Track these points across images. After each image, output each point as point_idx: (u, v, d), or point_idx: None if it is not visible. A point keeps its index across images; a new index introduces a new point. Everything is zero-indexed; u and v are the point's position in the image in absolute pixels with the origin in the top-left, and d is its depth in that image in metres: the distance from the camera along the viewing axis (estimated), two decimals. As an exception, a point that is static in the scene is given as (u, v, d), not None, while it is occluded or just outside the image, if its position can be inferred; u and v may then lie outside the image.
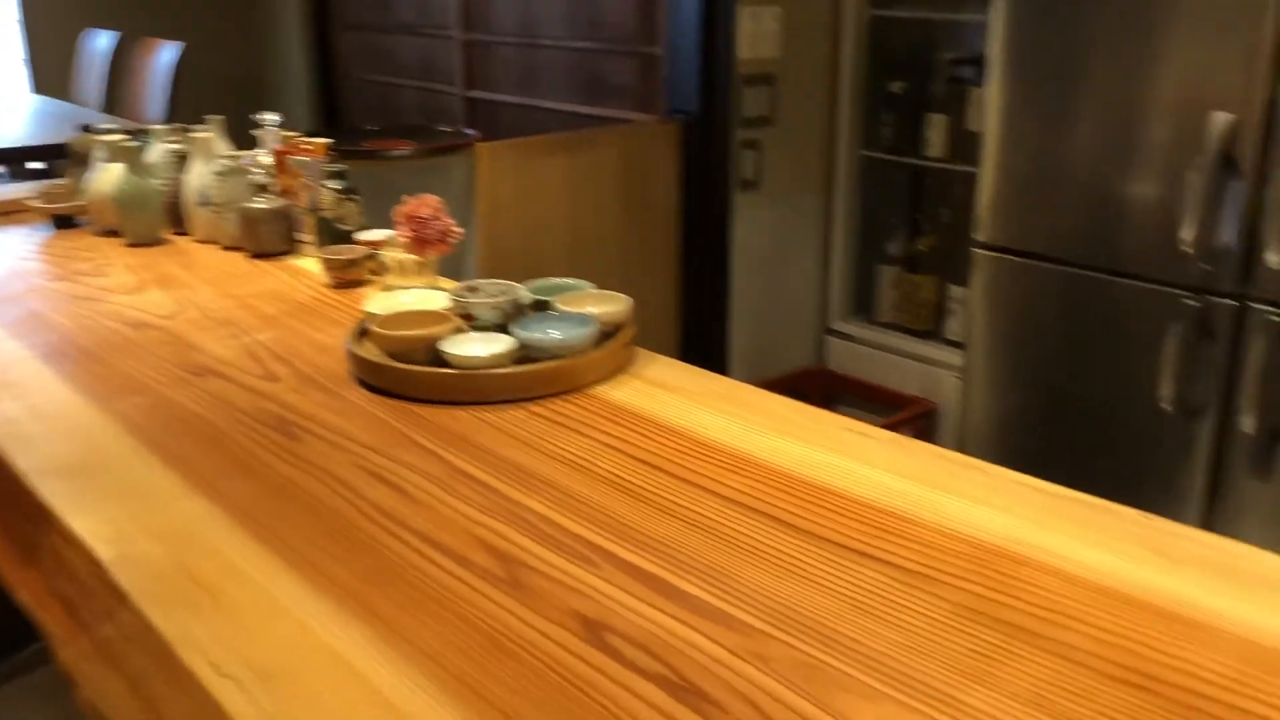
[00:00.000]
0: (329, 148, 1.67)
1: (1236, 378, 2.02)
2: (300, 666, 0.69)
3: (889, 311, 3.02)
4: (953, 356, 2.71)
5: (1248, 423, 2.01)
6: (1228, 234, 1.99)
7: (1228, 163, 1.96)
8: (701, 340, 2.91)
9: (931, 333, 2.92)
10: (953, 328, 2.85)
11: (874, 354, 2.98)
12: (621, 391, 1.13)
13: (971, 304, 2.40)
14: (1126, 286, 2.15)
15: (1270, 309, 1.96)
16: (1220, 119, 1.94)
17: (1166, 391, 2.10)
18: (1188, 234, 2.02)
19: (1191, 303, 2.05)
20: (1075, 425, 2.27)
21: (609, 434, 1.03)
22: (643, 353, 1.23)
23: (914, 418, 2.77)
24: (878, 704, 0.65)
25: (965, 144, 2.69)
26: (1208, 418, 2.07)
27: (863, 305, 3.11)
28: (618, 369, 1.17)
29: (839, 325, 3.11)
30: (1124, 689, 0.66)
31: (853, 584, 0.77)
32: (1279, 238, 1.92)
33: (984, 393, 2.41)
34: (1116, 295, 2.17)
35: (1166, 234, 2.06)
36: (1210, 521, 2.12)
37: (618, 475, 0.94)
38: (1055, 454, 2.31)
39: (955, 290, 2.85)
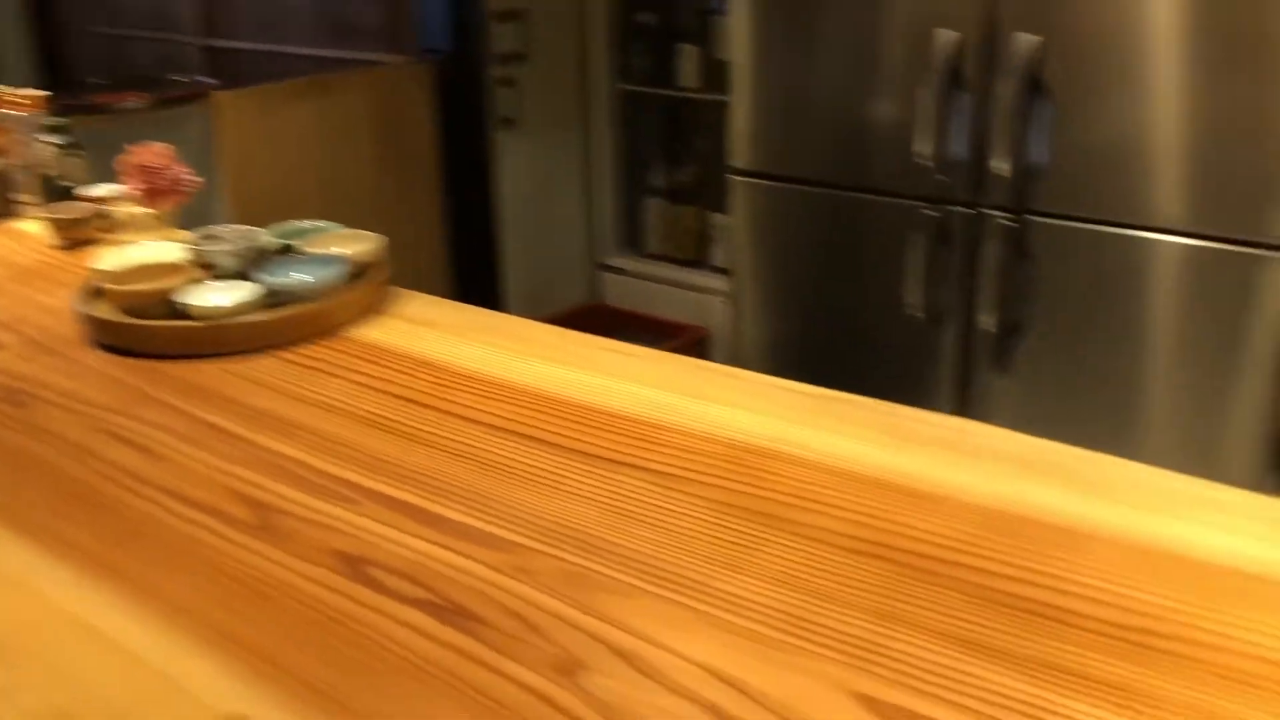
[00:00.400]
0: (47, 101, 1.55)
1: (975, 281, 2.16)
2: (38, 637, 0.65)
3: (657, 243, 3.07)
4: (721, 283, 2.78)
5: (988, 322, 2.16)
6: (959, 146, 2.11)
7: (955, 78, 2.07)
8: (475, 283, 2.89)
9: (699, 261, 2.99)
10: (719, 255, 2.93)
11: (646, 286, 3.04)
12: (378, 331, 1.11)
13: (733, 230, 2.46)
14: (873, 202, 2.25)
15: (1000, 214, 2.10)
16: (945, 36, 2.05)
17: (914, 299, 2.22)
18: (924, 148, 2.13)
19: (931, 213, 2.17)
20: (836, 337, 2.38)
21: (366, 374, 1.00)
22: (401, 291, 1.21)
23: (688, 344, 2.84)
24: (637, 600, 0.67)
25: (716, 73, 2.75)
26: (952, 320, 2.21)
27: (632, 238, 3.15)
28: (372, 309, 1.14)
29: (610, 260, 3.14)
30: (866, 560, 0.70)
31: (613, 493, 0.79)
32: (1003, 147, 2.05)
33: (752, 314, 2.49)
34: (865, 211, 2.27)
35: (905, 149, 2.16)
36: (961, 416, 2.27)
37: (376, 414, 0.92)
38: (820, 365, 2.41)
39: (717, 218, 2.93)
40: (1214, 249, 1.92)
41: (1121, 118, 1.94)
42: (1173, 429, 2.03)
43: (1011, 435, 0.86)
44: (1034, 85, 2.00)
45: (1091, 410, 2.10)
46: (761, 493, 0.78)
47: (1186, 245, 1.94)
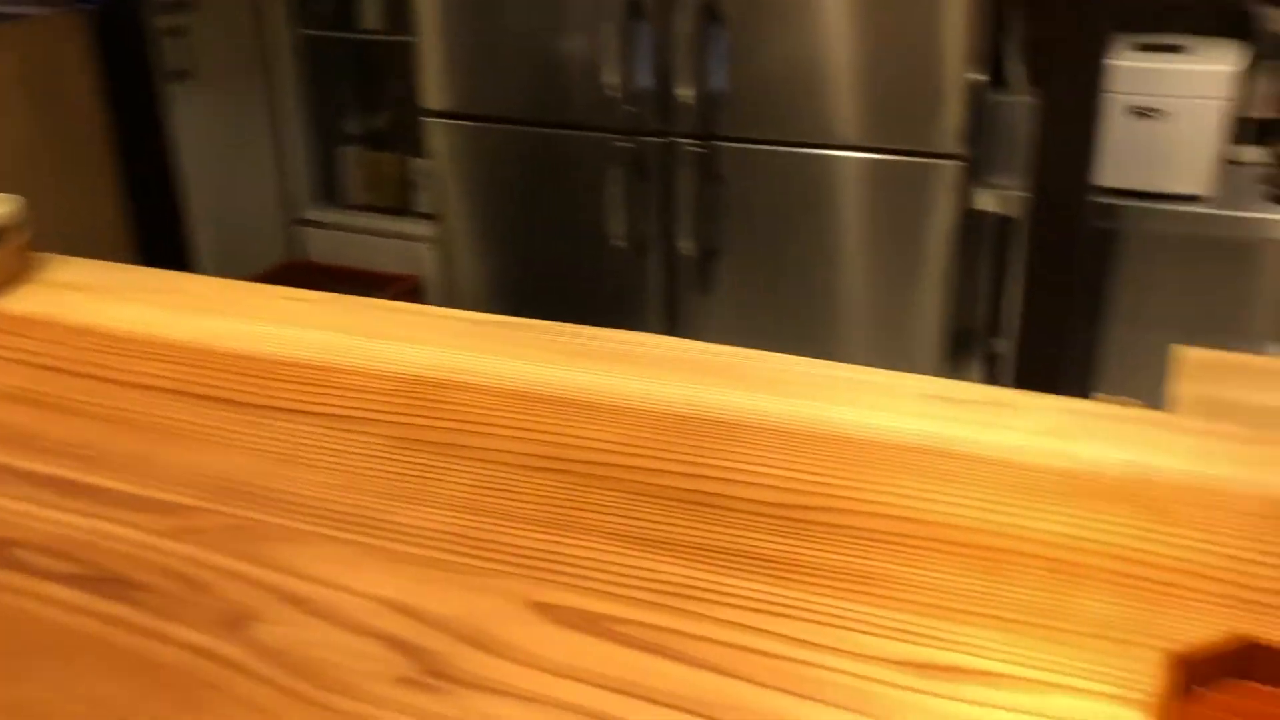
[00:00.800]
0: None
1: (672, 208, 2.23)
2: None
3: (358, 193, 2.98)
4: (428, 228, 2.74)
5: (688, 247, 2.23)
6: (644, 77, 2.15)
7: (635, 10, 2.11)
8: (161, 250, 2.71)
9: (403, 208, 2.93)
10: (423, 200, 2.88)
11: (351, 237, 2.95)
12: (22, 302, 1.01)
13: (434, 174, 2.43)
14: (569, 137, 2.27)
15: (689, 141, 2.17)
16: (620, -33, 2.08)
17: (617, 229, 2.27)
18: (612, 80, 2.17)
19: (624, 144, 2.21)
20: (546, 272, 2.40)
21: (7, 348, 0.92)
22: (49, 256, 1.11)
23: (400, 294, 2.78)
24: (310, 545, 0.65)
25: (402, 13, 2.68)
26: (655, 248, 2.27)
27: (330, 190, 3.05)
28: (14, 277, 1.05)
29: (310, 214, 3.02)
30: (543, 475, 0.71)
31: (283, 442, 0.76)
32: (686, 76, 2.11)
33: (463, 257, 2.47)
34: (562, 146, 2.29)
35: (595, 82, 2.19)
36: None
37: (19, 388, 0.85)
38: (533, 301, 2.43)
39: (418, 163, 2.87)
40: (889, 161, 2.06)
41: (794, 42, 2.03)
42: (866, 329, 2.18)
43: (684, 343, 0.89)
44: (710, 13, 2.06)
45: (793, 320, 2.22)
46: (439, 423, 0.78)
47: (864, 159, 2.07)
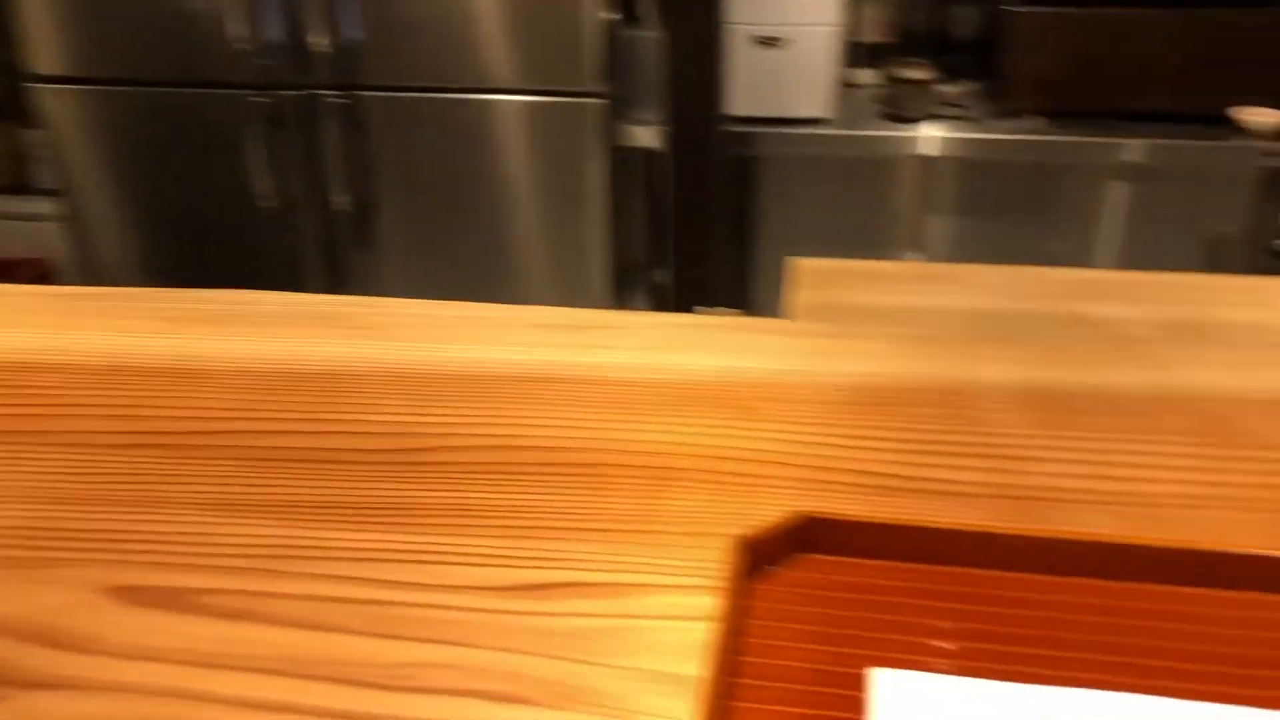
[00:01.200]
0: None
1: (320, 163, 2.14)
2: None
3: (-35, 173, 2.67)
4: (53, 206, 2.50)
5: (342, 202, 2.16)
6: (275, 28, 2.05)
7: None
8: None
9: (21, 186, 2.66)
10: (43, 175, 2.62)
11: (-37, 223, 2.65)
12: None
13: (53, 145, 2.22)
14: (201, 95, 2.13)
15: (329, 92, 2.09)
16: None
17: (264, 189, 2.16)
18: (240, 32, 2.04)
19: (260, 99, 2.10)
20: (194, 240, 2.26)
21: None
22: None
23: (29, 281, 2.54)
24: None
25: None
26: (307, 205, 2.18)
27: (-68, 172, 2.72)
28: None
29: (-90, 201, 2.69)
30: (130, 451, 0.67)
31: None
32: (319, 25, 2.02)
33: (99, 234, 2.28)
34: (193, 106, 2.15)
35: (221, 36, 2.06)
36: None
37: None
38: (185, 271, 2.28)
39: (32, 134, 2.60)
40: (535, 102, 2.06)
41: (429, -14, 1.99)
42: (538, 269, 2.20)
43: (295, 297, 0.86)
44: (332, -43, 1.98)
45: (464, 268, 2.20)
46: (14, 410, 0.71)
47: (511, 101, 2.07)
